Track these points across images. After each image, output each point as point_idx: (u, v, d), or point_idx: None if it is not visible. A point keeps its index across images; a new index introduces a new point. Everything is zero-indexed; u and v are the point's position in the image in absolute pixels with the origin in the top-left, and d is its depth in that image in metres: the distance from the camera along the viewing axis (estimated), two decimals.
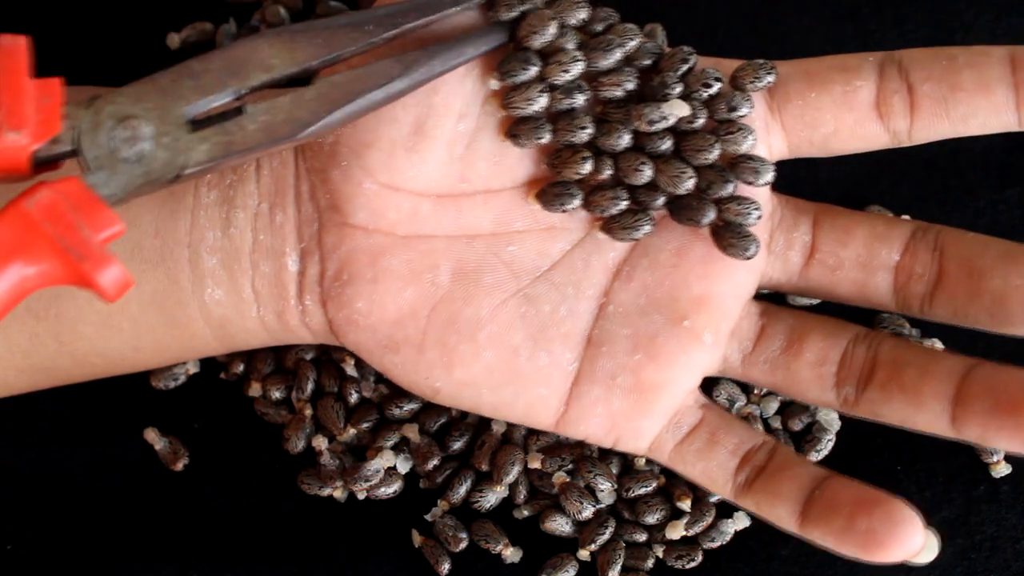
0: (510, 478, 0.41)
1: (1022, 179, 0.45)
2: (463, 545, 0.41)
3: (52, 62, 0.48)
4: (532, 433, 0.41)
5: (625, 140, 0.36)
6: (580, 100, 0.36)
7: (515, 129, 0.36)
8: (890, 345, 0.37)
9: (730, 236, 0.37)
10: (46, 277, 0.30)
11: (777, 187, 0.38)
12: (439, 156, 0.36)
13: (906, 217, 0.41)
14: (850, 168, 0.44)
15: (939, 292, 0.37)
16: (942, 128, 0.37)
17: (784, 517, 0.36)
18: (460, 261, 0.37)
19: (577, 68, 0.36)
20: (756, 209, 0.36)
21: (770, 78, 0.37)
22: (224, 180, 0.38)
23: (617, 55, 0.36)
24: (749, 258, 0.37)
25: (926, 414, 0.36)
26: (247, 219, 0.37)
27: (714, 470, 0.38)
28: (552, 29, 0.36)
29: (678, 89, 0.36)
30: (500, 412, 0.38)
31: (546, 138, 0.36)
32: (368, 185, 0.36)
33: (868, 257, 0.38)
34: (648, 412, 0.38)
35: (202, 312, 0.38)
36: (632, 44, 0.36)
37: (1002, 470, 0.41)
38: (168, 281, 0.37)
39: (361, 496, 0.41)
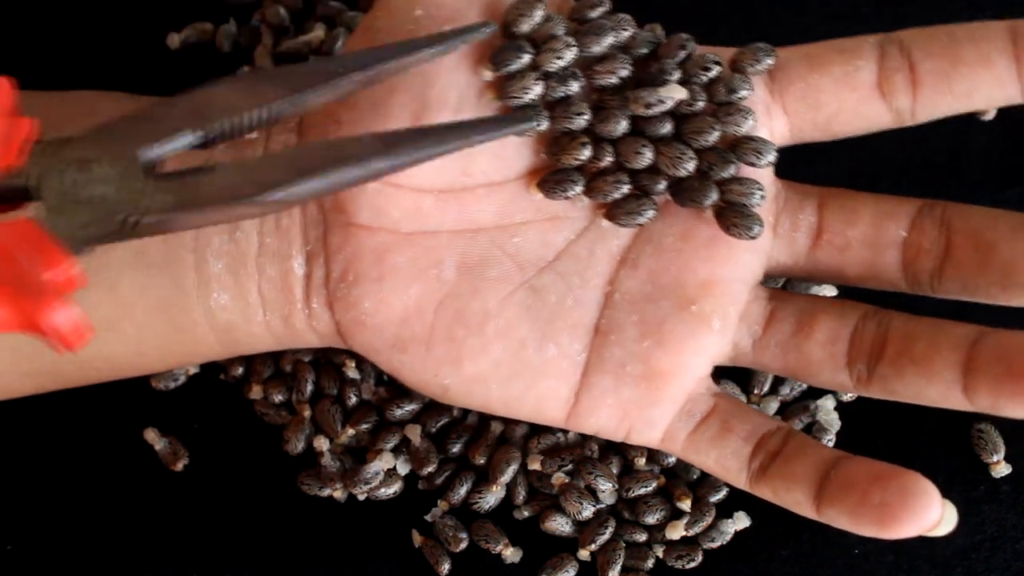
0: (505, 478, 0.41)
1: (1022, 179, 0.45)
2: (463, 545, 0.41)
3: (52, 62, 0.48)
4: (532, 434, 0.41)
5: (623, 125, 0.36)
6: (575, 87, 0.36)
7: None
8: (900, 320, 0.37)
9: (734, 216, 0.37)
10: None
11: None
12: None
13: None
14: (849, 168, 0.44)
15: (948, 267, 0.37)
16: (945, 104, 0.37)
17: (801, 501, 0.36)
18: (464, 255, 0.37)
19: (570, 54, 0.36)
20: (759, 189, 0.36)
21: (769, 61, 0.37)
22: None
23: (609, 39, 0.36)
24: (754, 238, 0.37)
25: (938, 386, 0.36)
26: (253, 223, 0.37)
27: (728, 458, 0.37)
28: (540, 12, 0.36)
29: (677, 75, 0.36)
30: (511, 408, 0.38)
31: (544, 124, 0.36)
32: (371, 184, 0.36)
33: (876, 235, 0.38)
34: (659, 400, 0.38)
35: (207, 317, 0.38)
36: (626, 34, 0.37)
37: (1002, 470, 0.41)
38: (173, 286, 0.37)
39: (361, 497, 0.41)
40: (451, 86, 0.36)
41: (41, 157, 0.32)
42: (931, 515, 0.34)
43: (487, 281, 0.37)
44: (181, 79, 0.47)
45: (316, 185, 0.32)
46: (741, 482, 0.38)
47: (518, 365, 0.37)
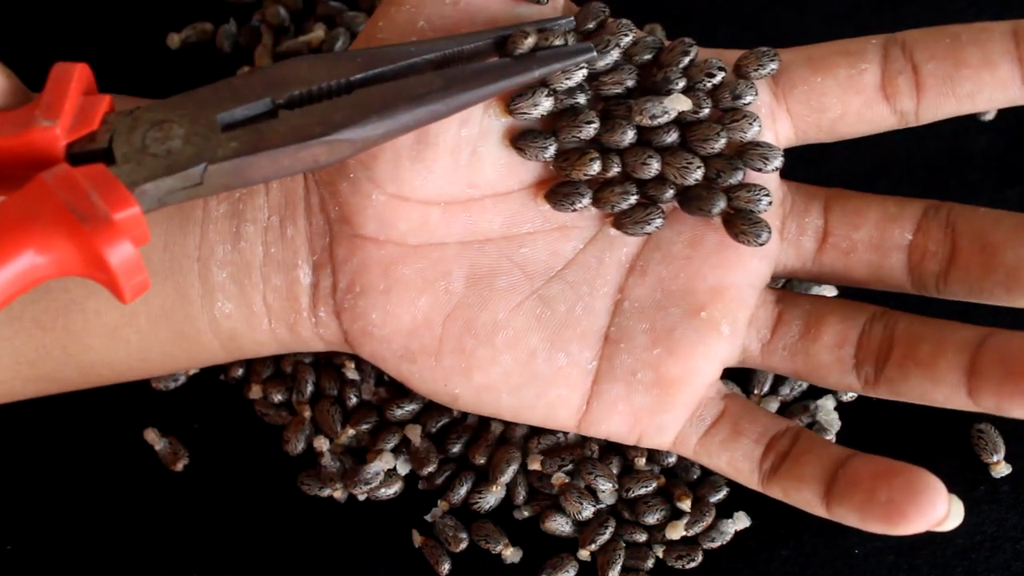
0: (505, 478, 0.41)
1: (1022, 179, 0.45)
2: (463, 545, 0.41)
3: (52, 62, 0.48)
4: (532, 435, 0.41)
5: (629, 136, 0.36)
6: (582, 100, 0.36)
7: (520, 142, 0.36)
8: (905, 322, 0.37)
9: (742, 224, 0.37)
10: (56, 253, 0.30)
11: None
12: (444, 164, 0.36)
13: None
14: (849, 169, 0.44)
15: (953, 269, 0.37)
16: (948, 106, 0.37)
17: (811, 500, 0.36)
18: (473, 266, 0.37)
19: (580, 75, 0.36)
20: (766, 195, 0.36)
21: (773, 65, 0.37)
22: (233, 194, 0.37)
23: (615, 54, 0.36)
24: (762, 244, 0.37)
25: (943, 388, 0.36)
26: (257, 232, 0.37)
27: (740, 460, 0.38)
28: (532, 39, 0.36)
29: (681, 84, 0.36)
30: (521, 415, 0.38)
31: (551, 151, 0.36)
32: (376, 196, 0.36)
33: (881, 238, 0.38)
34: (671, 406, 0.38)
35: (211, 325, 0.38)
36: (627, 40, 0.37)
37: (1002, 470, 0.41)
38: (177, 295, 0.37)
39: (361, 497, 0.41)
40: None
41: (115, 120, 0.32)
42: (938, 511, 0.34)
43: (496, 292, 0.37)
44: (181, 79, 0.47)
45: (380, 123, 0.33)
46: (753, 483, 0.38)
47: (528, 374, 0.37)
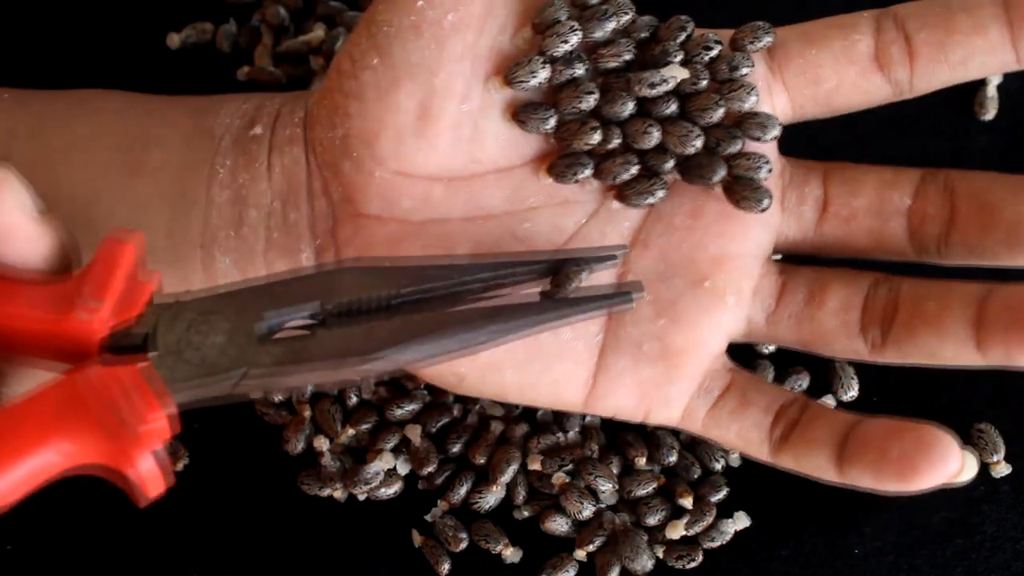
0: (505, 478, 0.41)
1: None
2: (463, 545, 0.41)
3: (52, 62, 0.48)
4: (532, 435, 0.41)
5: (629, 107, 0.37)
6: (580, 70, 0.37)
7: (521, 115, 0.36)
8: (909, 284, 0.37)
9: (742, 190, 0.37)
10: (80, 455, 0.30)
11: None
12: (447, 139, 0.36)
13: None
14: None
15: (954, 231, 0.37)
16: (942, 73, 0.37)
17: (823, 465, 0.37)
18: (477, 243, 0.37)
19: (575, 38, 0.36)
20: (766, 163, 0.37)
21: (768, 38, 0.37)
22: (236, 180, 0.37)
23: (611, 24, 0.37)
24: (763, 210, 0.37)
25: (951, 343, 0.36)
26: (260, 218, 0.37)
27: (749, 430, 0.38)
28: None
29: (679, 57, 0.37)
30: (527, 394, 0.38)
31: (551, 123, 0.37)
32: (380, 174, 0.36)
33: (881, 204, 0.38)
34: (677, 378, 0.38)
35: None
36: (626, 18, 0.37)
37: (1002, 470, 0.41)
38: (180, 282, 0.37)
39: (361, 497, 0.41)
40: (456, 74, 0.36)
41: (158, 312, 0.32)
42: (951, 464, 0.35)
43: None
44: (181, 79, 0.47)
45: (419, 351, 0.33)
46: (763, 453, 0.38)
47: (533, 349, 0.37)
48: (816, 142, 0.40)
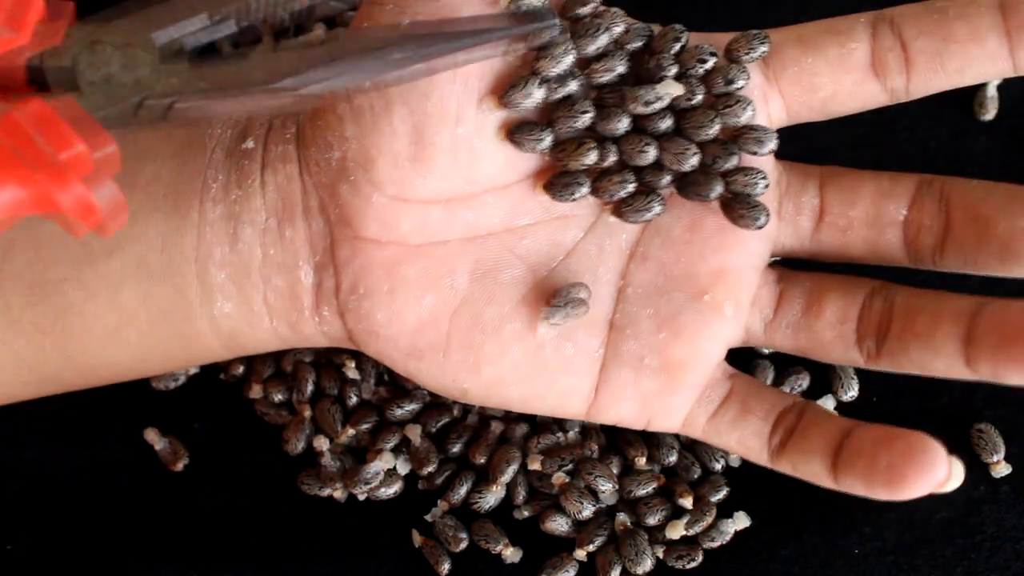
0: (505, 478, 0.41)
1: (1022, 179, 0.44)
2: (463, 545, 0.41)
3: None
4: (532, 434, 0.41)
5: (624, 123, 0.36)
6: (574, 86, 0.36)
7: (516, 135, 0.36)
8: (904, 295, 0.37)
9: (740, 208, 0.37)
10: (33, 189, 0.29)
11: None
12: (443, 162, 0.36)
13: None
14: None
15: (948, 242, 0.37)
16: (938, 81, 0.37)
17: (819, 472, 0.37)
18: (476, 262, 0.37)
19: (569, 59, 0.36)
20: (763, 179, 0.37)
21: (764, 48, 0.37)
22: (229, 196, 0.37)
23: (603, 39, 0.36)
24: (760, 228, 0.37)
25: (942, 358, 0.36)
26: (255, 234, 0.37)
27: (749, 438, 0.38)
28: None
29: (673, 70, 0.36)
30: (530, 405, 0.38)
31: (547, 142, 0.36)
32: (377, 198, 0.36)
33: (877, 214, 0.38)
34: (678, 389, 0.38)
35: (211, 325, 0.38)
36: (618, 29, 0.37)
37: (1002, 470, 0.41)
38: (176, 296, 0.37)
39: (361, 497, 0.41)
40: (448, 96, 0.36)
41: (79, 45, 0.32)
42: (938, 472, 0.35)
43: (500, 285, 0.37)
44: None
45: (329, 74, 0.32)
46: (763, 459, 0.38)
47: (537, 365, 0.38)
48: (815, 141, 0.40)
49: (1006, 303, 0.36)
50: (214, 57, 0.32)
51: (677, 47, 0.37)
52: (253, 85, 0.32)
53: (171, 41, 0.32)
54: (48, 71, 0.31)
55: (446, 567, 0.40)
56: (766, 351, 0.42)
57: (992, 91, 0.45)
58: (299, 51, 0.33)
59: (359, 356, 0.43)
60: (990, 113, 0.46)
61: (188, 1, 0.33)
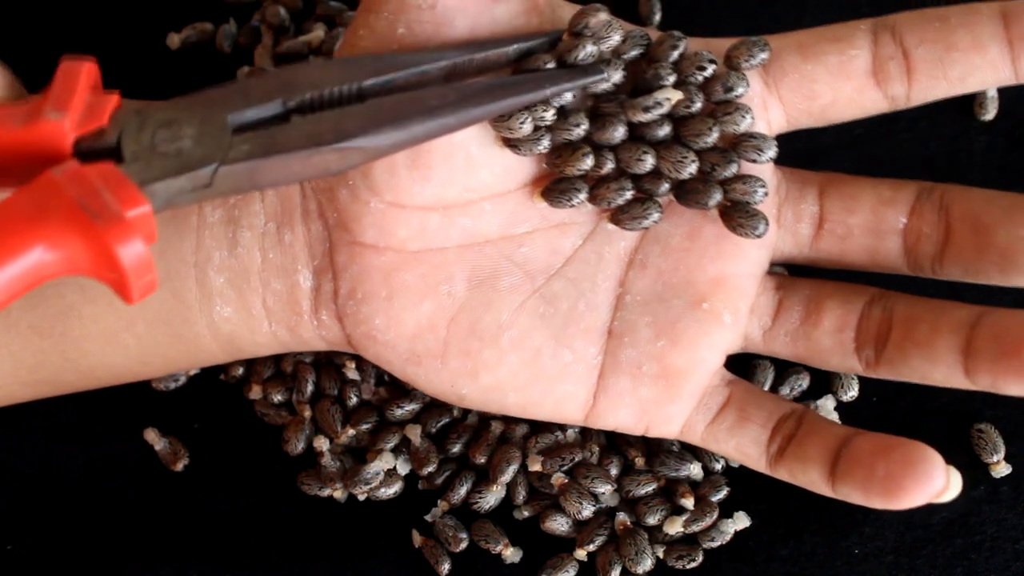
0: (505, 478, 0.41)
1: (1022, 179, 0.45)
2: (463, 545, 0.41)
3: (52, 62, 0.48)
4: (532, 434, 0.41)
5: (620, 132, 0.36)
6: (568, 97, 0.36)
7: (511, 146, 0.36)
8: (903, 304, 0.37)
9: (739, 216, 0.37)
10: (66, 251, 0.29)
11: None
12: (440, 169, 0.36)
13: None
14: (849, 169, 0.44)
15: (948, 251, 0.37)
16: (940, 89, 0.37)
17: (816, 480, 0.37)
18: (474, 269, 0.37)
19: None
20: (762, 187, 0.37)
21: (764, 55, 0.37)
22: (228, 200, 0.37)
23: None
24: (759, 236, 0.37)
25: (941, 368, 0.36)
26: (254, 239, 0.37)
27: (747, 445, 0.38)
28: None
29: (672, 78, 0.36)
30: (528, 411, 0.38)
31: (544, 145, 0.36)
32: (375, 204, 0.36)
33: (877, 222, 0.38)
34: (676, 397, 0.38)
35: (210, 328, 0.38)
36: (615, 39, 0.36)
37: (1002, 470, 0.41)
38: (175, 300, 0.37)
39: (361, 497, 0.41)
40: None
41: (124, 117, 0.32)
42: (935, 483, 0.35)
43: (498, 292, 0.37)
44: (181, 79, 0.48)
45: (395, 135, 0.33)
46: (761, 466, 0.38)
47: (534, 373, 0.38)
48: (814, 142, 0.40)
49: (1005, 313, 0.36)
50: (271, 125, 0.32)
51: (675, 54, 0.37)
52: (323, 144, 0.32)
53: (241, 123, 0.32)
54: (95, 150, 0.31)
55: (446, 567, 0.40)
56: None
57: (992, 91, 0.45)
58: (358, 111, 0.33)
59: (359, 357, 0.43)
60: (990, 113, 0.46)
61: (262, 87, 0.33)
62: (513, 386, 0.38)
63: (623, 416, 0.38)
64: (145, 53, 0.48)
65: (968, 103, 0.46)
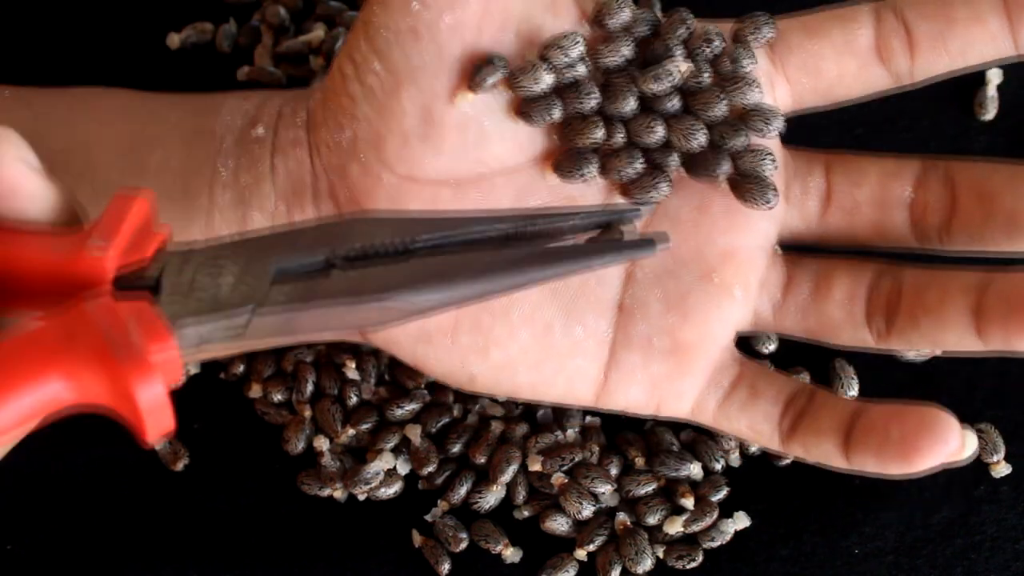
0: (505, 477, 0.41)
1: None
2: (463, 545, 0.41)
3: (52, 62, 0.48)
4: (532, 434, 0.41)
5: (632, 104, 0.37)
6: (582, 70, 0.37)
7: (526, 108, 0.36)
8: (912, 273, 0.38)
9: (749, 186, 0.37)
10: (85, 383, 0.28)
11: None
12: (452, 142, 0.36)
13: None
14: None
15: (955, 221, 0.38)
16: (942, 63, 0.37)
17: (831, 452, 0.37)
18: None
19: (577, 49, 0.36)
20: (771, 158, 0.37)
21: (770, 31, 0.37)
22: (239, 182, 0.37)
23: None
24: (769, 206, 0.37)
25: (953, 330, 0.36)
26: (264, 220, 0.37)
27: (760, 422, 0.38)
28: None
29: (680, 51, 0.37)
30: (539, 391, 0.38)
31: (557, 114, 0.36)
32: (387, 178, 0.36)
33: (883, 195, 0.38)
34: (688, 372, 0.38)
35: None
36: (625, 16, 0.37)
37: (1002, 470, 0.41)
38: None
39: (361, 497, 0.41)
40: (458, 76, 0.36)
41: (169, 256, 0.31)
42: (951, 443, 0.35)
43: None
44: (181, 79, 0.47)
45: (439, 295, 0.32)
46: (774, 443, 0.38)
47: (546, 348, 0.38)
48: (816, 142, 0.40)
49: (1017, 273, 0.36)
50: (312, 274, 0.31)
51: (683, 30, 0.37)
52: (364, 295, 0.31)
53: (287, 270, 0.31)
54: (134, 285, 0.30)
55: (446, 567, 0.40)
56: (767, 351, 0.42)
57: (992, 91, 0.45)
58: (402, 268, 0.32)
59: (359, 356, 0.43)
60: (990, 113, 0.46)
61: (310, 238, 0.32)
62: (524, 363, 0.38)
63: (634, 393, 0.38)
64: (145, 53, 0.48)
65: (968, 103, 0.46)
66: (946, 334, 0.37)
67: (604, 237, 0.34)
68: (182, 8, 0.49)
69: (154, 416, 0.29)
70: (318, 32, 0.47)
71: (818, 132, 0.40)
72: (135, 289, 0.30)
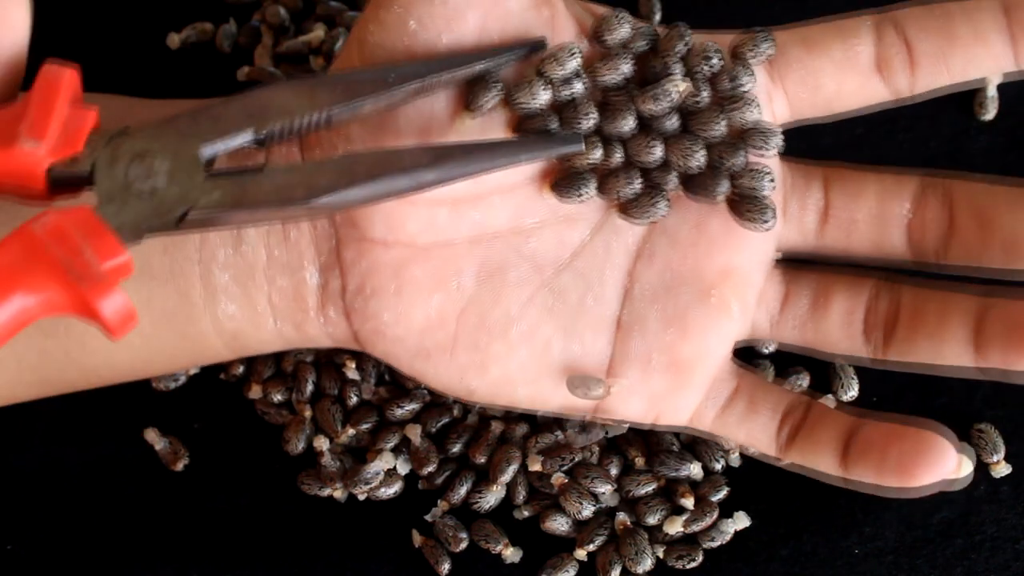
0: (505, 477, 0.41)
1: (1022, 179, 0.44)
2: (463, 545, 0.41)
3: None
4: (532, 434, 0.41)
5: (630, 123, 0.36)
6: (579, 88, 0.36)
7: (523, 126, 0.36)
8: (911, 290, 0.38)
9: (747, 207, 0.37)
10: (48, 302, 0.30)
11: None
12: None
13: None
14: None
15: (953, 240, 0.38)
16: (942, 80, 0.37)
17: (828, 464, 0.37)
18: (483, 263, 0.37)
19: (573, 63, 0.36)
20: (770, 178, 0.37)
21: (769, 48, 0.37)
22: None
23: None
24: (768, 228, 0.37)
25: (951, 348, 0.37)
26: (259, 235, 0.37)
27: (757, 433, 0.38)
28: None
29: (679, 70, 0.36)
30: (537, 404, 0.39)
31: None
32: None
33: (881, 212, 0.38)
34: (686, 387, 0.38)
35: (215, 326, 0.38)
36: (626, 30, 0.37)
37: (1002, 470, 0.41)
38: (179, 297, 0.37)
39: (361, 497, 0.41)
40: (456, 95, 0.36)
41: (99, 147, 0.32)
42: (947, 465, 0.36)
43: (507, 286, 0.37)
44: (181, 79, 0.48)
45: (364, 192, 0.33)
46: (772, 452, 0.39)
47: (544, 365, 0.38)
48: (815, 142, 0.40)
49: (1016, 293, 0.36)
50: (244, 173, 0.33)
51: (682, 46, 0.37)
52: (294, 202, 0.33)
53: (213, 155, 0.33)
54: (68, 178, 0.32)
55: (446, 567, 0.40)
56: (767, 351, 0.42)
57: (992, 91, 0.45)
58: (330, 166, 0.33)
59: (359, 356, 0.43)
60: (990, 113, 0.45)
61: (233, 115, 0.33)
62: (523, 379, 0.38)
63: (633, 407, 0.38)
64: (145, 53, 0.48)
65: (968, 103, 0.46)
66: (944, 351, 0.37)
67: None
68: (182, 8, 0.49)
69: (118, 321, 0.30)
70: (318, 32, 0.47)
71: (818, 133, 0.40)
72: (70, 184, 0.32)
